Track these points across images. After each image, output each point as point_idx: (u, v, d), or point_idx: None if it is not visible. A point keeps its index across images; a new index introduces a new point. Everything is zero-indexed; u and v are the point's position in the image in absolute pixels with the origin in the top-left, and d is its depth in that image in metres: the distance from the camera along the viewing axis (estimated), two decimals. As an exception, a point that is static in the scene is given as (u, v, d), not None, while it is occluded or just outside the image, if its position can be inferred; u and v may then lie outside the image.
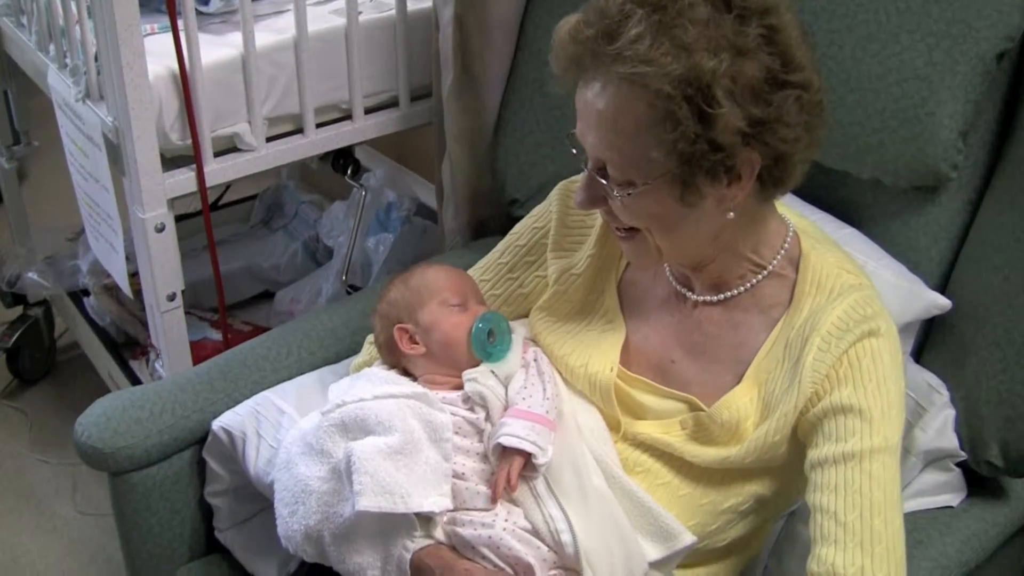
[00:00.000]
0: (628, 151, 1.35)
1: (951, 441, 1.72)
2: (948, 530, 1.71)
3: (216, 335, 2.83)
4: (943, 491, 1.76)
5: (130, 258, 2.27)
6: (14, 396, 3.22)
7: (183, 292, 2.20)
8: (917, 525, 1.69)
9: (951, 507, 1.76)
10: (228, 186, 3.02)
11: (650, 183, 1.36)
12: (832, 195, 1.87)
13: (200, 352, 2.63)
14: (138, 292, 2.34)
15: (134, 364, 2.78)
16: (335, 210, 3.12)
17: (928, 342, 1.79)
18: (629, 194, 1.38)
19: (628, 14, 1.31)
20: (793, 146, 1.35)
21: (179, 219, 2.14)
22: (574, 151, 1.45)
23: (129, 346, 2.86)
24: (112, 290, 2.86)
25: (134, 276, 2.31)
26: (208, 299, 2.96)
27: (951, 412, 1.72)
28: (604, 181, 1.40)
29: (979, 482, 1.79)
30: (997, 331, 1.67)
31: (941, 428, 1.72)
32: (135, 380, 2.71)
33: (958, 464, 1.76)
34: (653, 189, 1.36)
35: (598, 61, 1.34)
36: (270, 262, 3.22)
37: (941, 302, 1.74)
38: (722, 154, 1.31)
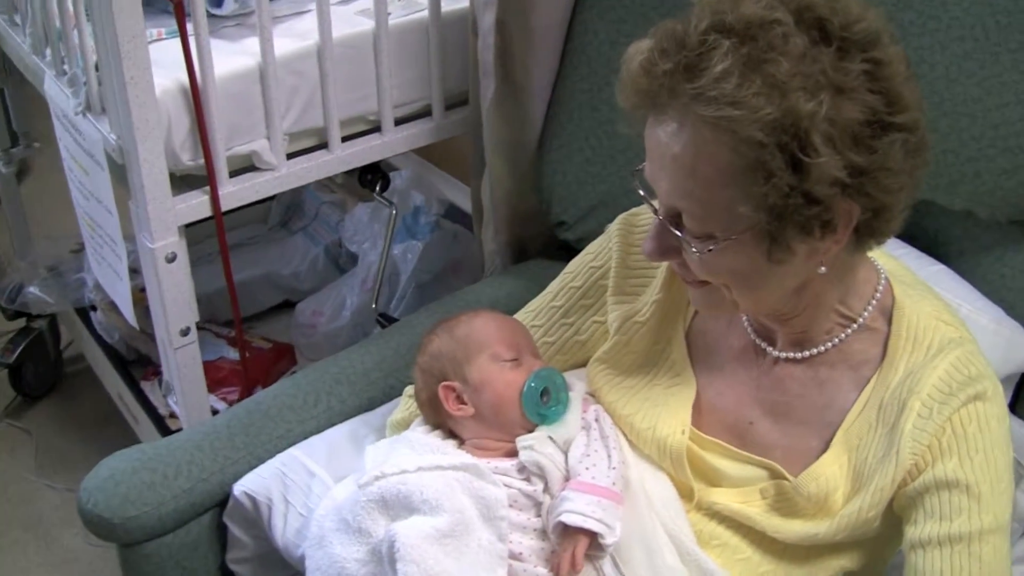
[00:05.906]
0: (708, 202, 1.17)
1: (1056, 505, 1.53)
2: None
3: (233, 353, 2.64)
4: (1045, 560, 1.57)
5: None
6: (18, 415, 3.02)
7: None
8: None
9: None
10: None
11: (733, 238, 1.17)
12: (916, 226, 1.66)
13: (215, 375, 2.48)
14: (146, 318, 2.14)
15: (145, 385, 2.60)
16: (358, 213, 2.90)
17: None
18: (710, 249, 1.19)
19: (712, 45, 1.12)
20: (896, 196, 1.18)
21: (189, 225, 1.92)
22: (641, 192, 1.26)
23: (140, 364, 2.67)
24: (122, 305, 2.66)
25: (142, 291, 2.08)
26: (224, 311, 2.76)
27: (1055, 473, 1.53)
28: (678, 232, 1.22)
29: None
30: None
31: (1046, 491, 1.53)
32: (147, 403, 2.52)
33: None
34: (737, 244, 1.18)
35: (676, 99, 1.14)
36: (290, 269, 3.02)
37: (1050, 352, 1.55)
38: (819, 208, 1.13)
